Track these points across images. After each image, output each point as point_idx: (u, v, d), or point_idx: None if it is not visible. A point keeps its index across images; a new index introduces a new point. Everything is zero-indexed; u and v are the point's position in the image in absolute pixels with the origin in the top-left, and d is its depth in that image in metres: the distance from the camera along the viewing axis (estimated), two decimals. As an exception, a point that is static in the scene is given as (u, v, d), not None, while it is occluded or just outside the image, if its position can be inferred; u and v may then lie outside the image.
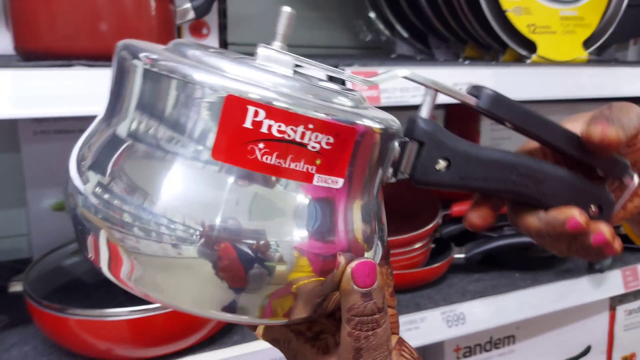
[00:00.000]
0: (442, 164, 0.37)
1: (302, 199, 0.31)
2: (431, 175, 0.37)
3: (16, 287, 0.70)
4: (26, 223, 0.88)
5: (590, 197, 0.42)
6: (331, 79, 0.38)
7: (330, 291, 0.33)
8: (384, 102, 0.65)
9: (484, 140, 1.13)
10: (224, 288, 0.30)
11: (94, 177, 0.31)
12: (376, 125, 0.32)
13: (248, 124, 0.29)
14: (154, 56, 0.30)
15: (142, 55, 0.31)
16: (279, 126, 0.29)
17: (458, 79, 0.69)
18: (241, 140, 0.29)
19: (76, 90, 0.54)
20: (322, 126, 0.30)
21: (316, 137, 0.30)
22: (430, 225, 0.87)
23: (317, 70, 0.37)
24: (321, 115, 0.30)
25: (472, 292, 0.88)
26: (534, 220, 0.40)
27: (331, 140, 0.30)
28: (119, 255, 0.31)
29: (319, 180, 0.31)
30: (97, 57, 0.56)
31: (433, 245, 0.92)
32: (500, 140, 1.16)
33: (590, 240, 0.39)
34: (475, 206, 0.42)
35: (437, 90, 0.37)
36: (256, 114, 0.29)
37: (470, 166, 0.38)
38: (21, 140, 0.83)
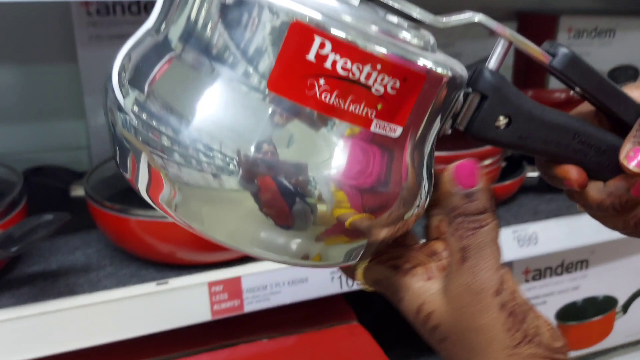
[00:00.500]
0: (502, 121, 0.35)
1: (355, 143, 0.28)
2: (489, 131, 0.35)
3: (77, 191, 0.69)
4: (85, 135, 0.88)
5: None
6: (400, 14, 0.33)
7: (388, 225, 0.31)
8: None
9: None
10: (272, 225, 0.28)
11: (134, 91, 0.29)
12: (447, 72, 0.29)
13: (312, 56, 0.26)
14: None
15: None
16: (345, 62, 0.27)
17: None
18: (301, 73, 0.27)
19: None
20: (391, 68, 0.27)
21: (382, 79, 0.27)
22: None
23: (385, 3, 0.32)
24: (392, 56, 0.27)
25: (545, 212, 0.82)
26: (594, 192, 0.39)
27: (397, 84, 0.28)
28: (159, 181, 0.29)
29: (376, 126, 0.29)
30: None
31: (504, 164, 0.86)
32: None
33: None
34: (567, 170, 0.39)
35: (510, 42, 0.34)
36: (322, 45, 0.26)
37: (531, 127, 0.36)
38: (77, 46, 0.81)
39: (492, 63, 0.35)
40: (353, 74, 0.27)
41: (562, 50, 0.36)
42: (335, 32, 0.26)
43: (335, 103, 0.27)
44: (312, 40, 0.26)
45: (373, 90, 0.28)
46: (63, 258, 0.66)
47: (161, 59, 0.29)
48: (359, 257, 0.33)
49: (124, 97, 0.29)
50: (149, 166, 0.29)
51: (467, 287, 0.32)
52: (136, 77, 0.29)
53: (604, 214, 0.40)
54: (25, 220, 0.56)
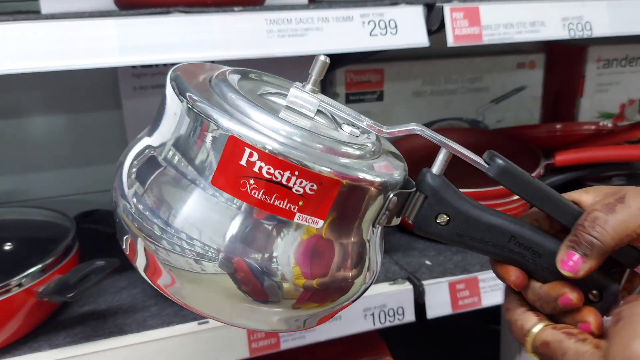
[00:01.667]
0: (443, 219, 0.40)
1: (283, 231, 0.35)
2: (431, 227, 0.40)
3: (124, 234, 0.73)
4: (129, 177, 0.92)
5: (592, 282, 0.40)
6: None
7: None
8: (487, 39, 0.61)
9: (589, 85, 1.05)
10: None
11: (136, 184, 0.37)
12: (366, 178, 0.36)
13: (243, 161, 0.34)
14: (195, 97, 0.36)
15: (187, 94, 0.36)
16: (269, 169, 0.34)
17: (568, 12, 0.64)
18: (236, 174, 0.34)
19: (173, 38, 0.54)
20: (306, 174, 0.34)
21: (300, 182, 0.34)
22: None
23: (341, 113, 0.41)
24: (307, 165, 0.34)
25: (576, 245, 0.83)
26: (531, 293, 0.41)
27: (314, 187, 0.34)
28: (155, 264, 0.37)
29: (299, 218, 0.35)
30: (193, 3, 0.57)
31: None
32: (607, 86, 1.08)
33: (578, 325, 0.40)
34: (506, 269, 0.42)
35: (450, 151, 0.40)
36: (251, 155, 0.34)
37: (469, 226, 0.40)
38: (122, 96, 0.86)
39: (435, 168, 0.40)
40: (276, 177, 0.34)
41: (497, 161, 0.39)
42: (261, 145, 0.33)
43: (263, 198, 0.34)
44: (243, 151, 0.34)
45: (294, 190, 0.34)
46: (111, 298, 0.70)
47: (154, 168, 0.37)
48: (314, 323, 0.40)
49: (128, 186, 0.38)
50: (145, 250, 0.37)
51: (625, 345, 0.33)
52: (139, 174, 0.38)
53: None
54: (79, 266, 0.60)
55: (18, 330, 0.60)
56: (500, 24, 0.62)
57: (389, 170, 0.38)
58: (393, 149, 0.44)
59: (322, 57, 0.39)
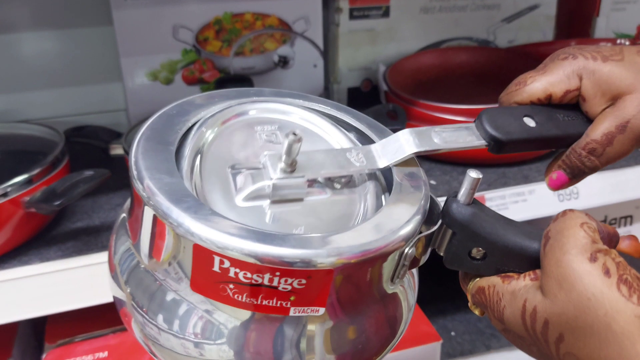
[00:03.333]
0: (478, 252, 0.35)
1: (281, 327, 0.32)
2: (464, 263, 0.35)
3: (117, 150, 0.71)
4: (123, 97, 0.89)
5: None
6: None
7: None
8: None
9: (605, 3, 0.99)
10: None
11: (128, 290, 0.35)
12: (365, 253, 0.30)
13: (216, 268, 0.30)
14: (145, 195, 0.31)
15: (144, 182, 0.31)
16: (245, 274, 0.29)
17: None
18: (212, 280, 0.30)
19: None
20: (290, 273, 0.29)
21: (285, 281, 0.30)
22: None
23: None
24: (287, 266, 0.29)
25: (588, 166, 0.80)
26: None
27: (303, 281, 0.30)
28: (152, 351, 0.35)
29: (295, 311, 0.31)
30: None
31: (544, 117, 0.84)
32: (624, 4, 1.03)
33: None
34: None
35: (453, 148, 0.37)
36: (222, 262, 0.29)
37: (510, 260, 0.34)
38: (112, 8, 0.82)
39: (461, 195, 0.34)
40: (255, 280, 0.29)
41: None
42: (230, 253, 0.29)
43: (249, 301, 0.30)
44: (212, 258, 0.29)
45: (280, 288, 0.30)
46: (105, 215, 0.68)
47: (135, 271, 0.34)
48: None
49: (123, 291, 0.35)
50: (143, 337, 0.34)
51: (557, 263, 0.30)
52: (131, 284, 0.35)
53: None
54: (67, 176, 0.58)
55: (7, 242, 0.58)
56: None
57: (396, 222, 0.32)
58: (410, 169, 0.37)
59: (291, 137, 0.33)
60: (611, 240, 0.33)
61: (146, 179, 0.31)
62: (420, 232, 0.34)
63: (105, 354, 0.64)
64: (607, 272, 0.29)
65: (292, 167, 0.34)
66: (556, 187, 0.41)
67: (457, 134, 0.38)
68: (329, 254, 0.30)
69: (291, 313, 0.31)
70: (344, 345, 0.33)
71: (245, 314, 0.31)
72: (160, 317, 0.33)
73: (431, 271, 0.68)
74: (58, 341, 0.67)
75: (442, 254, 0.36)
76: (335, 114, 0.41)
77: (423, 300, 0.78)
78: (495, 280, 0.34)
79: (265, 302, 0.30)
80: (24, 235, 0.60)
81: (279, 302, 0.30)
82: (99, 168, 0.60)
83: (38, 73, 0.88)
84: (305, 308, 0.31)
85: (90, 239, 0.63)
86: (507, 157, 0.79)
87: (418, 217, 0.33)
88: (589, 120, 0.40)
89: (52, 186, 0.56)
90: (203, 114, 0.37)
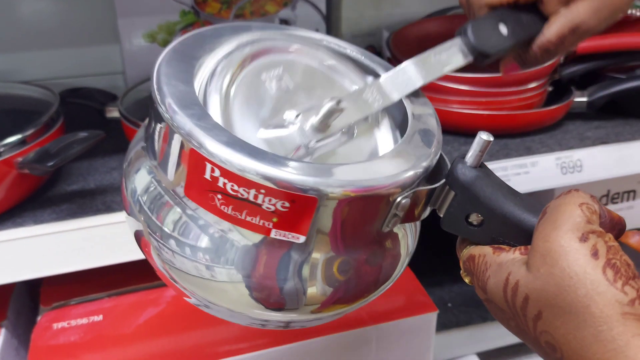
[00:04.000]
0: (476, 218, 0.34)
1: (261, 245, 0.32)
2: (460, 227, 0.35)
3: (113, 112, 0.69)
4: (120, 59, 0.87)
5: None
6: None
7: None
8: None
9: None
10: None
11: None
12: (343, 193, 0.30)
13: (207, 176, 0.31)
14: (159, 97, 0.33)
15: (162, 106, 0.32)
16: (232, 185, 0.30)
17: None
18: (203, 187, 0.31)
19: None
20: (275, 193, 0.30)
21: (269, 200, 0.30)
22: (549, 62, 0.77)
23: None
24: (272, 184, 0.30)
25: (592, 139, 0.79)
26: None
27: (287, 204, 0.30)
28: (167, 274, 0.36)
29: (277, 234, 0.32)
30: None
31: (551, 88, 0.82)
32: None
33: None
34: None
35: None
36: (212, 170, 0.30)
37: (507, 230, 0.33)
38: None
39: (469, 157, 0.34)
40: (242, 194, 0.30)
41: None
42: (221, 162, 0.30)
43: (234, 214, 0.31)
44: (204, 165, 0.30)
45: (264, 207, 0.31)
46: (100, 177, 0.67)
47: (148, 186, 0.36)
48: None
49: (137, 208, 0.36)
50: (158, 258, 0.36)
51: (545, 237, 0.29)
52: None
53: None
54: (61, 137, 0.56)
55: (0, 204, 0.57)
56: None
57: (395, 168, 0.32)
58: (428, 111, 0.39)
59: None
60: (613, 227, 0.31)
61: (163, 84, 0.33)
62: (419, 186, 0.33)
63: (100, 317, 0.64)
64: (595, 254, 0.28)
65: (324, 126, 0.36)
66: (508, 73, 0.47)
67: (449, 54, 0.40)
68: (315, 182, 0.30)
69: (272, 235, 0.32)
70: (340, 276, 0.34)
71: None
72: (176, 235, 0.34)
73: (429, 242, 0.68)
74: (53, 304, 0.67)
75: (441, 215, 0.35)
76: (333, 45, 0.43)
77: (420, 271, 0.77)
78: (486, 249, 0.34)
79: (248, 219, 0.31)
80: (18, 196, 0.59)
81: (261, 221, 0.31)
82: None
83: (34, 34, 0.86)
84: (287, 233, 0.32)
85: (85, 201, 0.62)
86: (509, 128, 0.77)
87: (418, 171, 0.33)
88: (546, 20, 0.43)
89: (45, 147, 0.55)
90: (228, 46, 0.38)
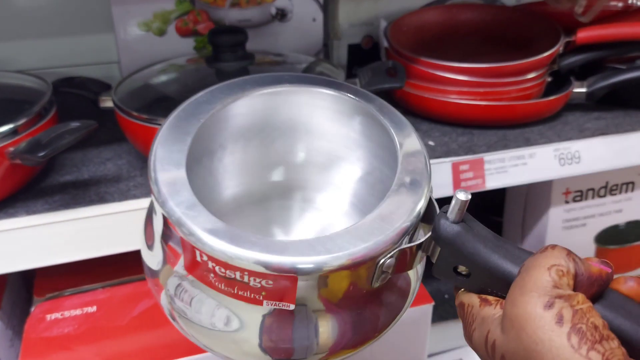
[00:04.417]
0: (464, 268, 0.35)
1: (257, 314, 0.36)
2: (451, 277, 0.36)
3: (107, 102, 0.68)
4: (115, 49, 0.86)
5: None
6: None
7: None
8: None
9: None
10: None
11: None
12: (327, 268, 0.33)
13: (198, 259, 0.34)
14: (155, 198, 0.36)
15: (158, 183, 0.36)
16: (220, 268, 0.33)
17: None
18: (198, 267, 0.35)
19: None
20: (257, 274, 0.33)
21: (254, 279, 0.33)
22: (548, 52, 0.76)
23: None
24: (256, 268, 0.32)
25: (591, 130, 0.78)
26: None
27: (270, 282, 0.33)
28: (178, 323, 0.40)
29: (269, 304, 0.35)
30: None
31: (550, 79, 0.81)
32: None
33: None
34: None
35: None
36: (201, 255, 0.34)
37: (492, 282, 0.34)
38: (103, -46, 0.78)
39: (450, 212, 0.35)
40: (229, 275, 0.33)
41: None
42: (206, 250, 0.33)
43: (228, 290, 0.34)
44: (194, 251, 0.34)
45: (251, 284, 0.33)
46: (95, 168, 0.66)
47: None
48: None
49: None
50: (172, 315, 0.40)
51: (513, 302, 0.30)
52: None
53: None
54: (53, 127, 0.56)
55: (-8, 194, 0.57)
56: None
57: (380, 228, 0.34)
58: (416, 149, 0.40)
59: None
60: (592, 284, 0.31)
61: (158, 171, 0.36)
62: (403, 244, 0.35)
63: (94, 308, 0.64)
64: (559, 320, 0.28)
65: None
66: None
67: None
68: (292, 262, 0.32)
69: (264, 305, 0.34)
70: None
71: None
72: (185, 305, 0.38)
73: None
74: (47, 295, 0.66)
75: (433, 262, 0.37)
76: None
77: (417, 263, 0.77)
78: (474, 300, 0.35)
79: (241, 293, 0.34)
80: (10, 187, 0.58)
81: (252, 295, 0.34)
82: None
83: (27, 22, 0.84)
84: (277, 302, 0.34)
85: (78, 192, 0.61)
86: (508, 119, 0.77)
87: (395, 233, 0.34)
88: None
89: (36, 137, 0.54)
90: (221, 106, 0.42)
